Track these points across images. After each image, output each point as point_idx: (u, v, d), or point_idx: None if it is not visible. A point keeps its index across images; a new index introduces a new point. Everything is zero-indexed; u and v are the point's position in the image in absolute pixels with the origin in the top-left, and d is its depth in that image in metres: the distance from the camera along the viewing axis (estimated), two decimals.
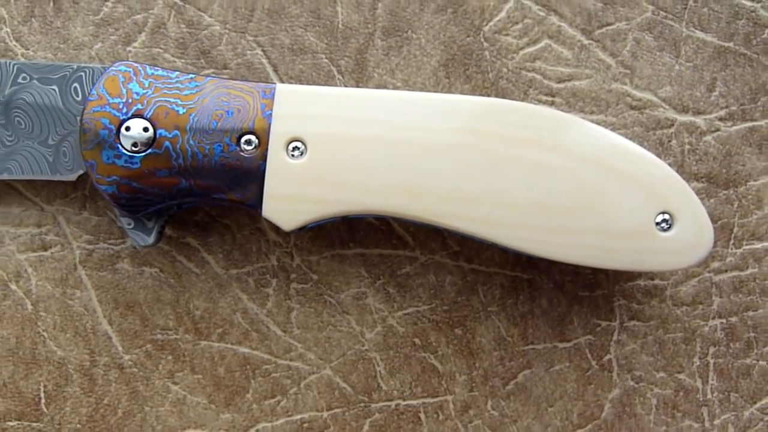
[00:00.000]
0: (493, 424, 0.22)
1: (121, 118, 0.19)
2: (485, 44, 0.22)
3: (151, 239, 0.20)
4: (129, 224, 0.20)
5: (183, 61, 0.21)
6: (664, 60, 0.23)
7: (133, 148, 0.19)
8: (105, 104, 0.19)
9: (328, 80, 0.22)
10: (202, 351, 0.21)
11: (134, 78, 0.19)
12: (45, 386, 0.21)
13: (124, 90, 0.19)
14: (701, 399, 0.23)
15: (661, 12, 0.23)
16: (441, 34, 0.22)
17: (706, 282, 0.23)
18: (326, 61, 0.21)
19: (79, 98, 0.19)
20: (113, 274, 0.22)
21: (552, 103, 0.22)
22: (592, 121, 0.22)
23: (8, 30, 0.21)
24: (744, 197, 0.23)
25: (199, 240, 0.21)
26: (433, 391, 0.22)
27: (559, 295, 0.22)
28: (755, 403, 0.23)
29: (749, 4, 0.23)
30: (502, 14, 0.22)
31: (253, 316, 0.21)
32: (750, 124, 0.23)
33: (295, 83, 0.21)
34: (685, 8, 0.23)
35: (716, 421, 0.23)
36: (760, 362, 0.23)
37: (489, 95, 0.22)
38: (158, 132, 0.19)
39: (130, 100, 0.19)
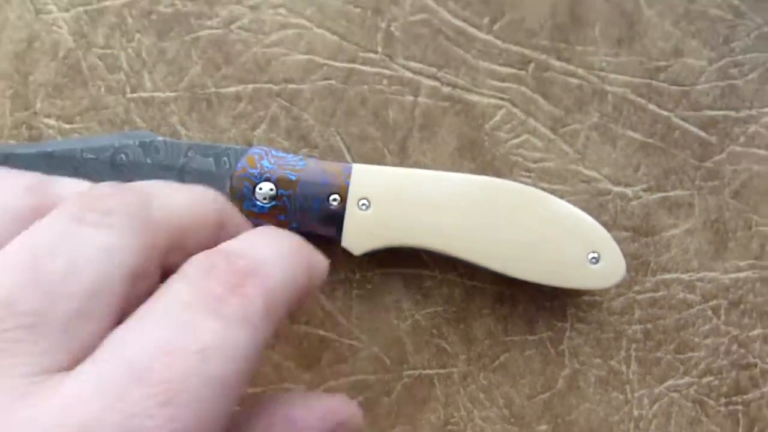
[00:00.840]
0: (483, 389, 0.32)
1: (256, 181, 0.30)
2: (485, 137, 0.33)
3: None
4: None
5: (288, 142, 0.32)
6: (606, 150, 0.34)
7: (264, 201, 0.30)
8: (246, 172, 0.30)
9: (382, 158, 0.32)
10: (294, 331, 0.32)
11: (265, 157, 0.30)
12: None
13: (258, 164, 0.30)
14: (625, 379, 0.33)
15: (605, 117, 0.33)
16: (457, 130, 0.33)
17: (630, 299, 0.33)
18: (381, 145, 0.32)
19: (228, 167, 0.31)
20: None
21: (529, 177, 0.33)
22: (554, 190, 0.33)
23: (177, 118, 0.33)
24: (657, 243, 0.33)
25: None
26: (443, 365, 0.33)
27: (529, 304, 0.33)
28: (663, 383, 0.33)
29: (665, 113, 0.34)
30: (497, 118, 0.33)
31: (327, 310, 0.32)
32: (663, 194, 0.34)
33: (362, 161, 0.32)
34: (621, 115, 0.34)
35: (636, 395, 0.33)
36: (667, 356, 0.33)
37: (487, 172, 0.33)
38: (279, 191, 0.30)
39: (262, 171, 0.30)
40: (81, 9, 0.32)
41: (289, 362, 0.31)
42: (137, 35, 0.32)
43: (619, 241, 0.31)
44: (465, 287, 0.32)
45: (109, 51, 0.32)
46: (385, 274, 0.32)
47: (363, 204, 0.29)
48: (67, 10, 0.32)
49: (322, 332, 0.31)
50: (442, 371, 0.32)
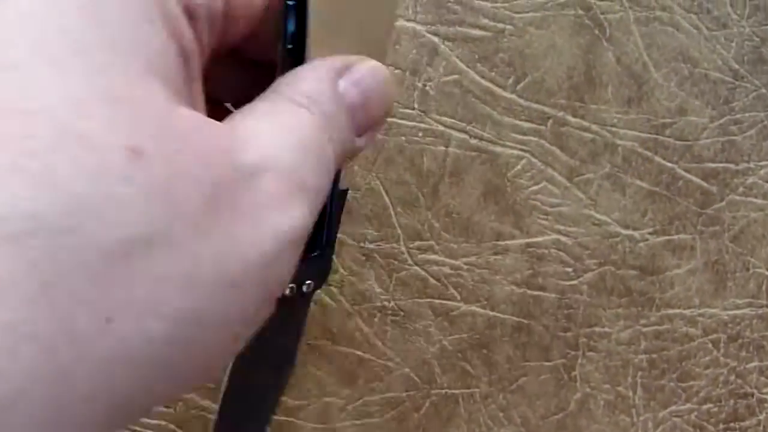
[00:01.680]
0: (502, 408, 0.36)
1: None
2: (508, 184, 0.37)
3: None
4: None
5: None
6: (616, 197, 0.38)
7: None
8: None
9: (416, 200, 0.37)
10: (336, 352, 0.36)
11: None
12: None
13: None
14: (632, 403, 0.37)
15: (615, 168, 0.37)
16: (482, 177, 0.37)
17: (637, 332, 0.37)
18: (415, 189, 0.37)
19: None
20: None
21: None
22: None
23: None
24: (662, 281, 0.37)
25: (337, 288, 0.37)
26: (467, 385, 0.36)
27: (545, 334, 0.37)
28: (666, 408, 0.37)
29: (670, 165, 0.38)
30: (519, 167, 0.37)
31: (365, 334, 0.36)
32: (667, 237, 0.38)
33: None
34: (630, 166, 0.37)
35: (641, 418, 0.37)
36: (670, 384, 0.37)
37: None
38: None
39: None
40: None
41: (330, 378, 0.36)
42: None
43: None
44: (487, 317, 0.36)
45: None
46: (417, 303, 0.36)
47: None
48: None
49: (360, 353, 0.36)
50: (466, 391, 0.35)
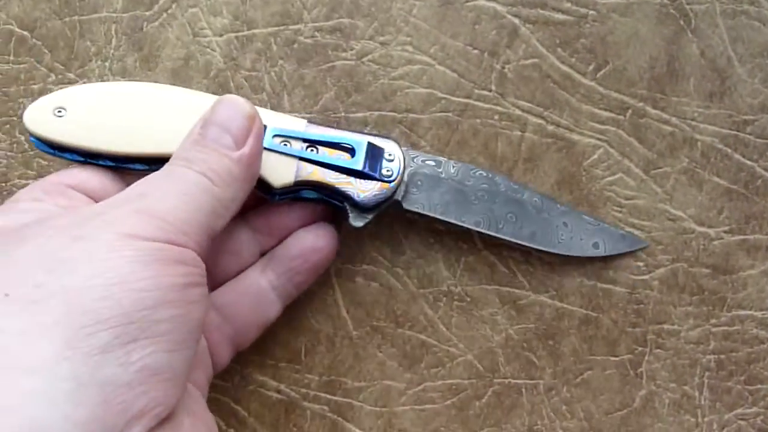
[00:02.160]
0: (566, 401, 0.35)
1: None
2: (583, 173, 0.36)
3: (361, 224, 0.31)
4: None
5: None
6: (692, 193, 0.37)
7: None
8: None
9: None
10: (399, 335, 0.35)
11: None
12: (305, 345, 0.36)
13: None
14: (697, 404, 0.36)
15: (693, 163, 0.36)
16: (557, 164, 0.36)
17: (706, 331, 0.36)
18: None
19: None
20: (353, 283, 0.36)
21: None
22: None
23: None
24: (735, 281, 0.36)
25: (404, 269, 0.36)
26: (531, 376, 0.36)
27: (613, 328, 0.36)
28: (732, 411, 0.36)
29: (749, 163, 0.37)
30: (595, 156, 0.36)
31: (430, 318, 0.36)
32: (743, 236, 0.37)
33: None
34: (708, 162, 0.36)
35: (706, 419, 0.36)
36: (737, 386, 0.36)
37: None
38: None
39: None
40: (232, 35, 0.36)
41: (392, 362, 0.35)
42: (280, 61, 0.36)
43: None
44: (555, 308, 0.35)
45: (254, 73, 0.36)
46: (484, 289, 0.35)
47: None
48: (220, 35, 0.36)
49: (423, 337, 0.35)
50: (529, 382, 0.35)
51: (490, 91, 0.36)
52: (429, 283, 0.35)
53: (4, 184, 0.36)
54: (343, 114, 0.36)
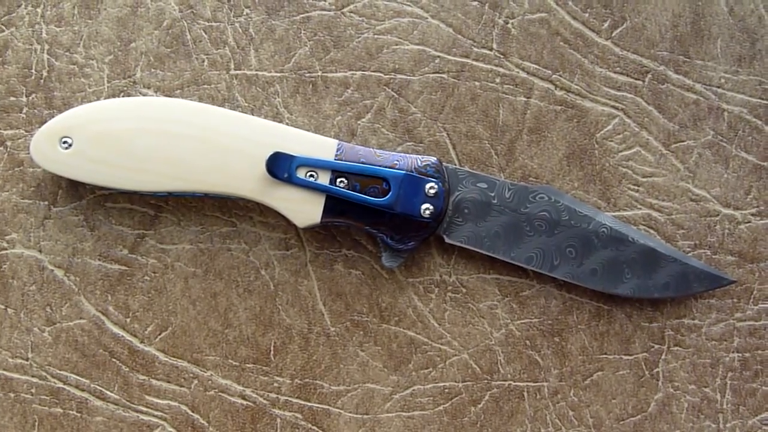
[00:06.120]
0: (573, 406, 0.31)
1: None
2: (596, 146, 0.32)
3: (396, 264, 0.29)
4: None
5: (393, 134, 0.31)
6: (717, 170, 0.32)
7: None
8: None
9: (488, 158, 0.31)
10: (383, 331, 0.31)
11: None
12: (275, 343, 0.31)
13: None
14: (719, 407, 0.32)
15: (719, 136, 0.32)
16: (567, 135, 0.32)
17: (730, 326, 0.32)
18: (488, 145, 0.31)
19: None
20: (331, 272, 0.31)
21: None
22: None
23: (280, 100, 0.32)
24: (763, 270, 0.32)
25: None
26: (534, 378, 0.31)
27: (627, 323, 0.32)
28: (757, 415, 0.32)
29: None
30: (609, 127, 0.32)
31: (420, 312, 0.31)
32: None
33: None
34: (735, 135, 0.32)
35: (728, 425, 0.32)
36: (763, 387, 0.32)
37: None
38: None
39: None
40: None
41: (376, 362, 0.30)
42: (246, 10, 0.31)
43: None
44: (563, 299, 0.31)
45: (215, 24, 0.30)
46: (482, 279, 0.30)
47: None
48: None
49: (412, 334, 0.30)
50: (532, 384, 0.30)
51: (491, 49, 0.31)
52: (418, 272, 0.30)
53: None
54: (320, 73, 0.30)
